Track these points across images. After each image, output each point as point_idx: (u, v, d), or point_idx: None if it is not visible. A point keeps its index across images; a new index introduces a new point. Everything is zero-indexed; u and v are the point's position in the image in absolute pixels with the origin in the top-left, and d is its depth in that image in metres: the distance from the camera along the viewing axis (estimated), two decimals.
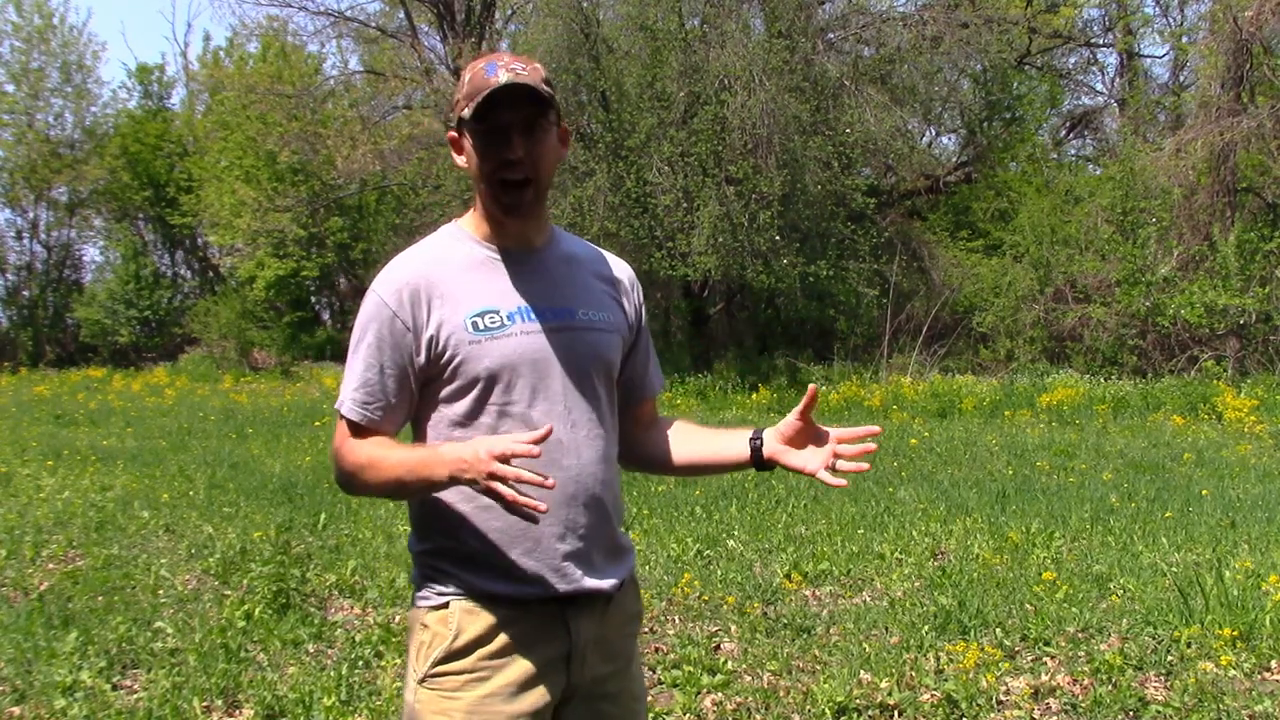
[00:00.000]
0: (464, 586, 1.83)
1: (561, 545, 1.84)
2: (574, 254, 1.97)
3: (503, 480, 1.64)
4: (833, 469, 1.90)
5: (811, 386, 1.90)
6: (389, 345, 1.82)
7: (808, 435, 1.94)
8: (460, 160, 1.89)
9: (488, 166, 1.81)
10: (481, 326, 1.81)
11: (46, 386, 20.59)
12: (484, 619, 1.82)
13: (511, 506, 1.65)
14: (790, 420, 1.93)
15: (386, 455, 1.79)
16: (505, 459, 1.64)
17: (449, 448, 1.73)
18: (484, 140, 1.80)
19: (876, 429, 1.94)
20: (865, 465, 1.91)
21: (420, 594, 1.88)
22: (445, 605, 1.84)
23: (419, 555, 1.89)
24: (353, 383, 1.84)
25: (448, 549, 1.85)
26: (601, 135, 18.16)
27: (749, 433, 2.00)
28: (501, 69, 1.79)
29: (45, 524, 7.25)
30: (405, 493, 1.83)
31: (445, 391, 1.83)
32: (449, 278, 1.84)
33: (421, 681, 1.83)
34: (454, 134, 1.88)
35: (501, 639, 1.82)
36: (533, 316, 1.85)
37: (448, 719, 1.80)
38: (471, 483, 1.68)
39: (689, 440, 2.06)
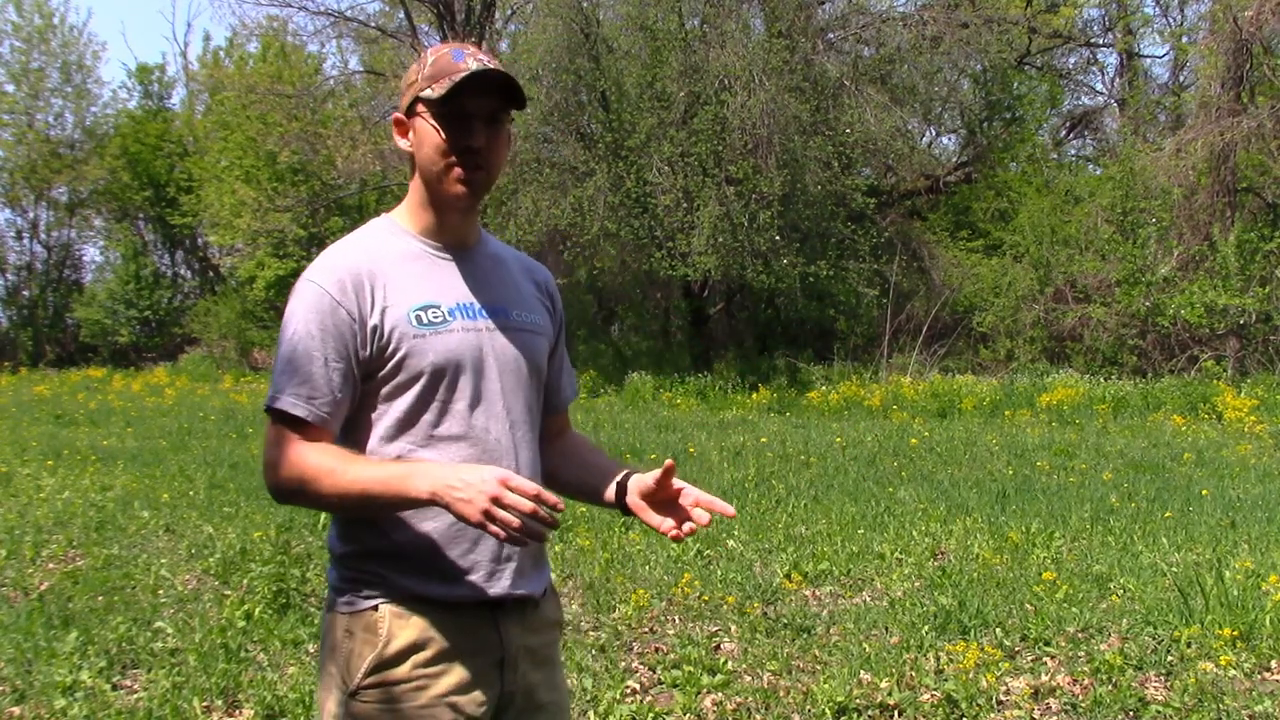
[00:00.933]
0: (394, 589, 1.75)
1: (498, 547, 1.80)
2: (501, 256, 1.96)
3: (505, 509, 1.58)
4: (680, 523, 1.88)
5: (669, 462, 1.85)
6: (332, 336, 1.73)
7: (665, 497, 1.88)
8: (404, 143, 1.85)
9: (447, 150, 1.78)
10: (425, 320, 1.77)
11: (46, 386, 20.58)
12: (415, 624, 1.75)
13: (515, 535, 1.60)
14: (647, 483, 1.88)
15: (347, 467, 1.68)
16: (518, 492, 1.58)
17: (432, 467, 1.67)
18: (447, 124, 1.77)
19: (730, 511, 1.86)
20: (703, 519, 1.84)
21: (343, 598, 1.79)
22: (374, 609, 1.76)
23: (343, 557, 1.80)
24: (293, 377, 1.72)
25: (378, 550, 1.77)
26: (601, 135, 18.16)
27: (621, 474, 1.95)
28: (469, 57, 1.78)
29: (45, 524, 7.24)
30: (368, 507, 1.71)
31: (387, 387, 1.76)
32: (389, 269, 1.79)
33: (353, 695, 1.74)
34: (400, 116, 1.84)
35: (435, 645, 1.75)
36: (472, 314, 1.82)
37: None
38: (451, 510, 1.61)
39: (578, 464, 2.03)
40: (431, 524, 1.76)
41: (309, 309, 1.76)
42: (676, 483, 1.86)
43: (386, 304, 1.77)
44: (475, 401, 1.80)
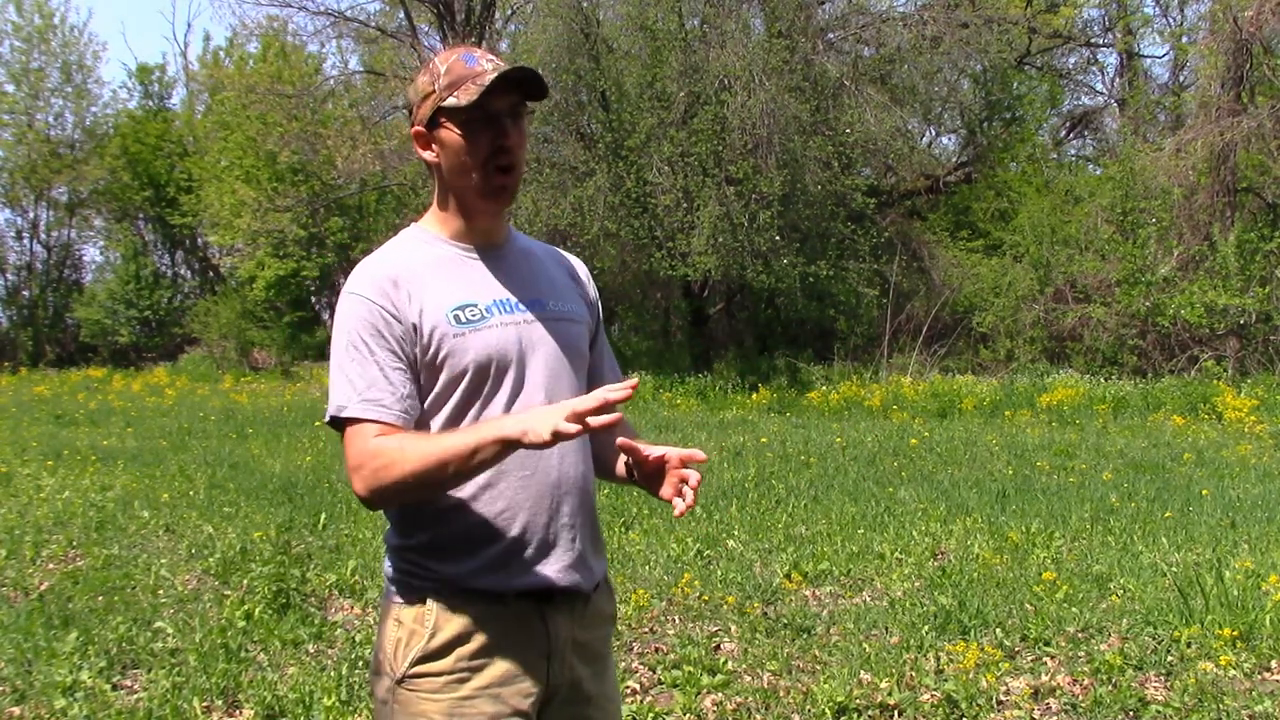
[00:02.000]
0: (443, 582, 1.80)
1: (546, 538, 1.83)
2: (531, 250, 1.99)
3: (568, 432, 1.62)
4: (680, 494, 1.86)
5: (619, 442, 1.86)
6: (389, 336, 1.77)
7: (652, 469, 1.88)
8: (429, 155, 1.86)
9: (481, 154, 1.80)
10: (463, 319, 1.80)
11: (46, 386, 20.58)
12: (462, 616, 1.80)
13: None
14: (636, 463, 1.89)
15: (423, 441, 1.72)
16: (586, 413, 1.61)
17: (495, 421, 1.71)
18: (478, 128, 1.80)
19: (701, 456, 1.84)
20: (693, 483, 1.82)
21: (395, 589, 1.85)
22: (422, 601, 1.81)
23: (398, 549, 1.86)
24: (358, 385, 1.75)
25: (430, 544, 1.82)
26: (601, 135, 18.16)
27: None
28: (481, 58, 1.81)
29: (45, 524, 7.24)
30: (456, 476, 1.71)
31: (433, 387, 1.81)
32: (423, 274, 1.83)
33: (400, 682, 1.80)
34: (421, 129, 1.85)
35: (480, 638, 1.80)
36: (509, 308, 1.85)
37: None
38: (526, 444, 1.65)
39: (608, 446, 2.00)
40: (482, 517, 1.80)
41: (354, 319, 1.79)
42: (653, 451, 1.86)
43: (424, 307, 1.80)
44: (517, 393, 1.83)
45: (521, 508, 1.82)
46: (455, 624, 1.80)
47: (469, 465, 1.69)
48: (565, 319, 1.92)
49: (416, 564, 1.83)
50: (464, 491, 1.79)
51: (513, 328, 1.84)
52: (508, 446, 1.67)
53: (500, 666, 1.80)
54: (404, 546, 1.85)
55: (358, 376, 1.76)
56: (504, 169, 1.82)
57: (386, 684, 1.82)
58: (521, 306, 1.87)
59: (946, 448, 10.91)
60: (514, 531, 1.81)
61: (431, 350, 1.79)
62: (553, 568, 1.84)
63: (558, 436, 1.61)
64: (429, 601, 1.81)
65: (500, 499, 1.81)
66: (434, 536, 1.82)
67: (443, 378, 1.80)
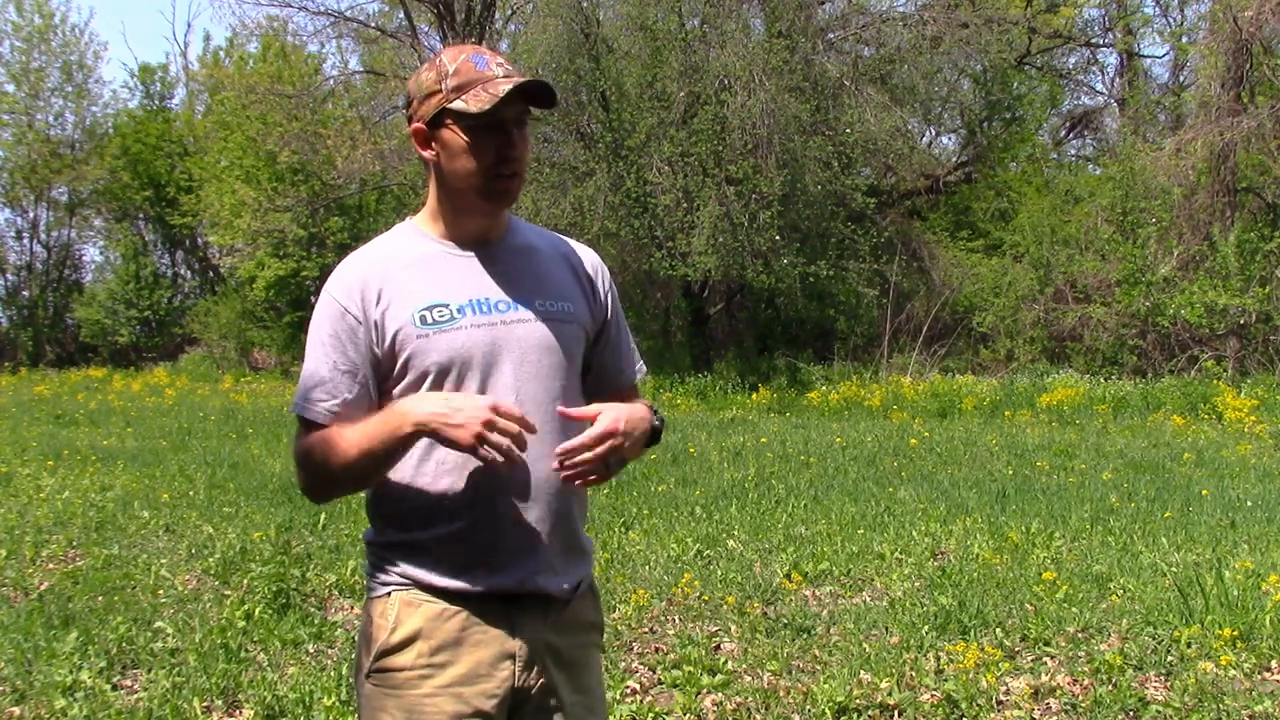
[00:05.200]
0: (407, 578, 1.82)
1: (507, 542, 1.82)
2: (531, 244, 1.96)
3: (492, 442, 1.68)
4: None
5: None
6: (345, 340, 1.80)
7: None
8: (428, 154, 1.84)
9: (486, 160, 1.79)
10: (430, 320, 1.80)
11: (46, 386, 20.56)
12: (423, 612, 1.80)
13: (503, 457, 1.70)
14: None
15: (341, 435, 1.77)
16: (507, 417, 1.69)
17: (415, 400, 1.74)
18: (485, 136, 1.78)
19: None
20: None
21: (369, 585, 1.89)
22: (387, 596, 1.83)
23: (370, 546, 1.90)
24: (308, 383, 1.81)
25: (396, 541, 1.84)
26: (601, 135, 18.17)
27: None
28: (491, 62, 1.79)
29: (45, 524, 7.24)
30: (374, 464, 1.76)
31: (398, 389, 1.82)
32: (399, 273, 1.83)
33: (368, 675, 1.83)
34: (422, 126, 1.83)
35: (440, 635, 1.80)
36: (484, 309, 1.83)
37: (389, 716, 1.80)
38: (441, 438, 1.70)
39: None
40: (441, 517, 1.81)
41: (322, 319, 1.84)
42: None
43: (393, 308, 1.81)
44: (485, 395, 1.81)
45: (481, 511, 1.81)
46: (415, 620, 1.80)
47: (388, 453, 1.75)
48: (551, 318, 1.88)
49: (384, 559, 1.86)
50: (426, 495, 1.81)
51: (485, 329, 1.82)
52: (423, 432, 1.72)
53: (463, 665, 1.80)
54: (374, 542, 1.89)
55: (309, 376, 1.83)
56: (506, 177, 1.81)
57: (359, 678, 1.87)
58: (500, 306, 1.85)
59: (946, 448, 10.91)
60: (473, 535, 1.81)
61: (396, 351, 1.80)
62: (514, 571, 1.82)
63: (480, 440, 1.67)
64: (392, 596, 1.83)
65: (460, 502, 1.81)
66: (399, 535, 1.84)
67: (407, 378, 1.81)
